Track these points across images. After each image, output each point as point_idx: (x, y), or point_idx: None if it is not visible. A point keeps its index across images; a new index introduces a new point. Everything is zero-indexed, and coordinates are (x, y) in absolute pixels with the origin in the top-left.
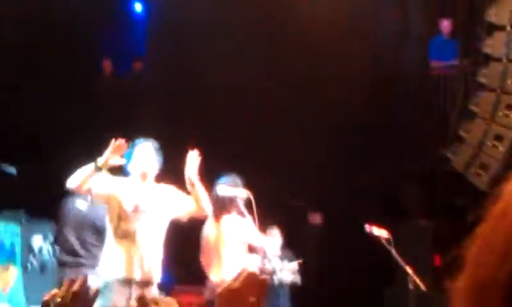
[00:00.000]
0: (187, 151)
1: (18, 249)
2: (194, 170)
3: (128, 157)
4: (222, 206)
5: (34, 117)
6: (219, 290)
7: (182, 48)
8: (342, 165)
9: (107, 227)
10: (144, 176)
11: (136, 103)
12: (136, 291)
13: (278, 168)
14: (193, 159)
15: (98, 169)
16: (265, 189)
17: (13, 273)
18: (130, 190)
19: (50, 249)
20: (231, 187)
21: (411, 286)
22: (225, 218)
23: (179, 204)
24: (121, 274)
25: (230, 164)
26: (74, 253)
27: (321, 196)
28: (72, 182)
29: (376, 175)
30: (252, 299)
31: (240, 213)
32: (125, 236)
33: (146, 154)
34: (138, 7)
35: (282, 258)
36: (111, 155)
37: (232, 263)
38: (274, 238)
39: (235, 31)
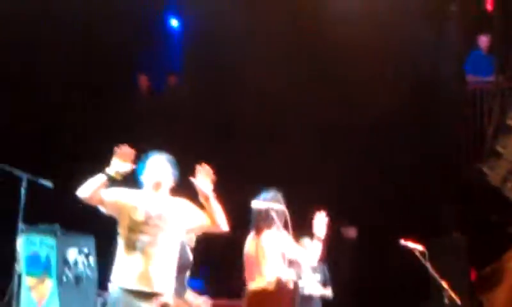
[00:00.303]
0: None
1: (53, 262)
2: (208, 185)
3: (142, 168)
4: (260, 220)
5: (71, 132)
6: (249, 292)
7: (218, 60)
8: (377, 178)
9: (118, 238)
10: (156, 186)
11: (173, 117)
12: (144, 305)
13: (311, 179)
14: (205, 173)
15: (110, 178)
16: (299, 201)
17: (49, 285)
18: (142, 202)
19: (86, 262)
20: (266, 201)
21: (446, 301)
22: (265, 232)
23: (192, 218)
24: (130, 285)
25: (264, 175)
26: None
27: (355, 209)
28: (82, 192)
29: (411, 189)
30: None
31: (276, 227)
32: (135, 247)
33: (159, 165)
34: (174, 23)
35: (315, 270)
36: (119, 162)
37: (272, 277)
38: (310, 250)
39: (270, 40)
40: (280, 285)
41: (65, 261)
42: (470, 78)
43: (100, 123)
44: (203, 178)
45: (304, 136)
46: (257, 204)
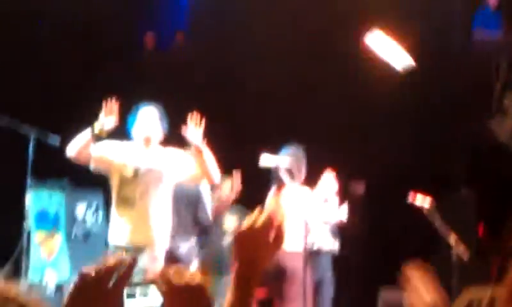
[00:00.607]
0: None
1: (62, 218)
2: (199, 135)
3: (132, 121)
4: (275, 177)
5: (76, 87)
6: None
7: (225, 20)
8: (384, 133)
9: (111, 193)
10: (147, 141)
11: (178, 75)
12: (140, 258)
13: (320, 135)
14: (196, 123)
15: (96, 135)
16: (309, 157)
17: (58, 241)
18: (132, 155)
19: (94, 217)
20: (274, 157)
21: (454, 256)
22: (285, 188)
23: (183, 171)
24: (122, 242)
25: (272, 134)
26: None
27: (363, 165)
28: (70, 150)
29: (420, 145)
30: (268, 240)
31: (281, 182)
32: (127, 202)
33: (149, 118)
34: None
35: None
36: (106, 118)
37: (291, 233)
38: (328, 207)
39: (278, 5)
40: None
41: (74, 217)
42: (478, 34)
43: (107, 80)
44: (194, 128)
45: (311, 92)
46: (265, 161)
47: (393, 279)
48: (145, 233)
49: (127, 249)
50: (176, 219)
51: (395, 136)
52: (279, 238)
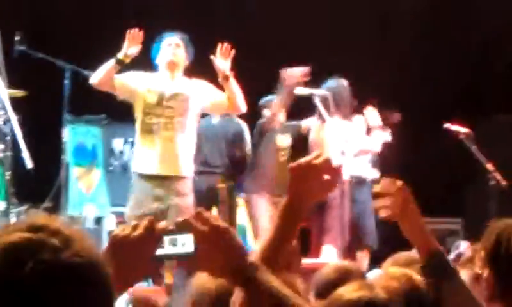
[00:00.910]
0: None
1: (100, 152)
2: (227, 64)
3: (156, 49)
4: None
5: (112, 23)
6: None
7: None
8: (422, 57)
9: (135, 122)
10: (171, 66)
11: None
12: (163, 186)
13: (355, 66)
14: (225, 52)
15: (120, 62)
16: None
17: (96, 175)
18: (156, 84)
19: (131, 151)
20: (307, 88)
21: (492, 183)
22: (328, 121)
23: (209, 98)
24: (146, 170)
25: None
26: (208, 163)
27: (398, 94)
28: (94, 78)
29: (457, 71)
30: (322, 179)
31: (319, 113)
32: (150, 131)
33: (173, 45)
34: None
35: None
36: (129, 45)
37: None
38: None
39: None
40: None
41: (111, 151)
42: None
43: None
44: (223, 57)
45: (339, 17)
46: (299, 90)
47: (431, 208)
48: (171, 162)
49: (151, 178)
50: (219, 157)
51: (431, 59)
52: (332, 181)
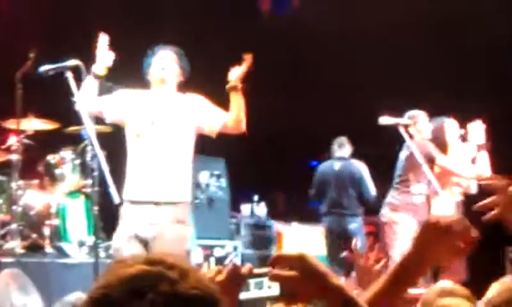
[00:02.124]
0: None
1: None
2: (240, 75)
3: (148, 65)
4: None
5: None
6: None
7: None
8: None
9: (127, 146)
10: (162, 82)
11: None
12: (158, 213)
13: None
14: (244, 65)
15: (97, 76)
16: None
17: None
18: (148, 103)
19: (217, 184)
20: (392, 117)
21: None
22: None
23: (207, 115)
24: (138, 196)
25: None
26: (336, 205)
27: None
28: (79, 105)
29: None
30: (452, 243)
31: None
32: (143, 154)
33: (165, 60)
34: None
35: None
36: (100, 55)
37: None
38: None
39: None
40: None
41: (197, 184)
42: None
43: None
44: (242, 69)
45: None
46: (384, 120)
47: None
48: (167, 187)
49: (145, 204)
50: (346, 198)
51: None
52: (464, 249)
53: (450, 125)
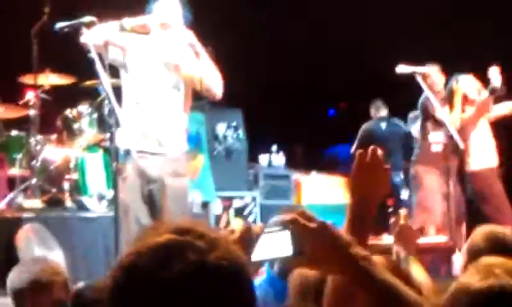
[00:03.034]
0: None
1: (203, 137)
2: (194, 39)
3: (150, 11)
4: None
5: None
6: None
7: None
8: None
9: (122, 91)
10: (163, 26)
11: None
12: (152, 168)
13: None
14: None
15: (122, 28)
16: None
17: (200, 160)
18: (147, 47)
19: (235, 135)
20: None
21: None
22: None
23: (184, 63)
24: (134, 146)
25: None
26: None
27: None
28: (89, 37)
29: None
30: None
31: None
32: (138, 101)
33: (167, 5)
34: None
35: None
36: (142, 19)
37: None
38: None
39: None
40: None
41: (215, 136)
42: None
43: None
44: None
45: None
46: (401, 68)
47: None
48: (163, 138)
49: (139, 155)
50: (393, 156)
51: None
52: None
53: (463, 83)
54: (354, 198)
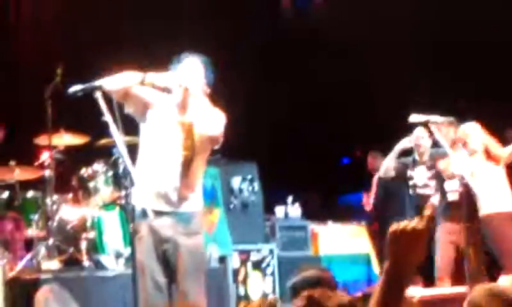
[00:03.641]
0: None
1: (219, 191)
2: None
3: (173, 71)
4: None
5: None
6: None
7: None
8: None
9: (139, 146)
10: (185, 91)
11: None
12: (165, 228)
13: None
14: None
15: (143, 82)
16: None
17: (217, 214)
18: (169, 107)
19: (250, 188)
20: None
21: None
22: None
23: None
24: (153, 205)
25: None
26: None
27: None
28: (110, 83)
29: None
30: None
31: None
32: (155, 159)
33: (190, 69)
34: None
35: None
36: (164, 80)
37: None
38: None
39: None
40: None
41: (230, 189)
42: None
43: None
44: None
45: None
46: (414, 117)
47: None
48: (179, 197)
49: (157, 214)
50: None
51: None
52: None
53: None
54: (390, 262)
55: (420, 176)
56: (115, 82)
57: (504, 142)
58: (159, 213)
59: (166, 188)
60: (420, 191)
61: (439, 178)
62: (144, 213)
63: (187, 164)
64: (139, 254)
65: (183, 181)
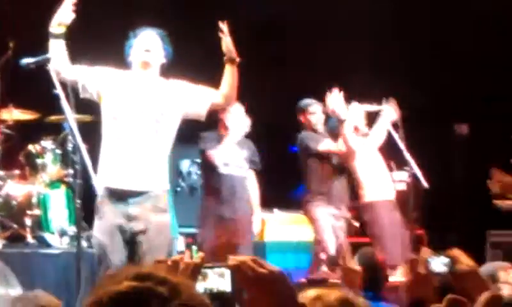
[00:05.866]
0: None
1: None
2: (230, 45)
3: (129, 47)
4: None
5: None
6: None
7: None
8: (486, 74)
9: (102, 128)
10: (144, 65)
11: None
12: (133, 205)
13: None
14: (226, 34)
15: (54, 35)
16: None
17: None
18: (129, 85)
19: (199, 172)
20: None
21: None
22: None
23: (193, 101)
24: (117, 183)
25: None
26: None
27: (467, 106)
28: (52, 68)
29: None
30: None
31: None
32: (120, 138)
33: (148, 42)
34: None
35: None
36: (59, 13)
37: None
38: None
39: None
40: None
41: (179, 172)
42: None
43: None
44: (227, 39)
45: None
46: (366, 107)
47: (501, 221)
48: (145, 175)
49: (122, 194)
50: None
51: (497, 75)
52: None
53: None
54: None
55: None
56: (53, 64)
57: None
58: (125, 192)
59: (133, 167)
60: None
61: None
62: (108, 193)
63: (152, 142)
64: (100, 234)
65: (149, 159)
